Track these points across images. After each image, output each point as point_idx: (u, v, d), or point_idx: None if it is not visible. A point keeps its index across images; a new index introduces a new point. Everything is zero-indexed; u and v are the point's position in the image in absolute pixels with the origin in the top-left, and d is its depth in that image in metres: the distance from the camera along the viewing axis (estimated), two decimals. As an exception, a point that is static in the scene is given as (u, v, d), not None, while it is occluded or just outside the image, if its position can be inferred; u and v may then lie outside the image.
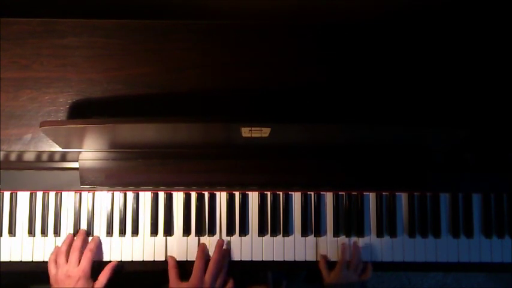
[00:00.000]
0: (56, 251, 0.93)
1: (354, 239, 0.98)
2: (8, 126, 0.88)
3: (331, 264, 0.96)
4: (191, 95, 0.90)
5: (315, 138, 0.88)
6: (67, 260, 0.90)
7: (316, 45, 0.92)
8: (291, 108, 0.90)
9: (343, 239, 0.98)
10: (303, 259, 0.97)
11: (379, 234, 0.98)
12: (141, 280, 0.96)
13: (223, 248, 0.95)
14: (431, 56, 0.92)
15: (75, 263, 0.90)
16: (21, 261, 0.95)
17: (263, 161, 0.92)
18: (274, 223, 0.97)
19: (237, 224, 0.97)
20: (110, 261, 0.94)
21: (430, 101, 0.91)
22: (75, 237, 0.95)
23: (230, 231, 0.97)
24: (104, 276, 0.91)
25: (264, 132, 0.76)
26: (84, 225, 0.97)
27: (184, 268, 0.94)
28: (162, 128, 0.78)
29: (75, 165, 0.93)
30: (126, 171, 0.92)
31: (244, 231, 0.97)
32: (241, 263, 0.97)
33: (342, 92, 0.91)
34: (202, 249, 0.94)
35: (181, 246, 0.96)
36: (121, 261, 0.95)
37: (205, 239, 0.97)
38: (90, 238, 0.96)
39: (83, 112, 0.89)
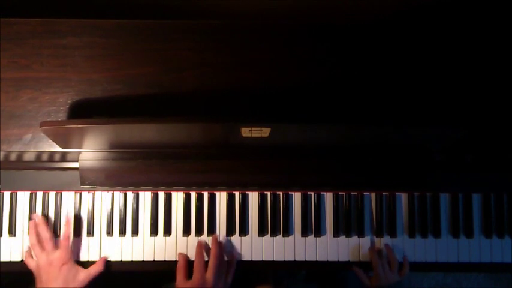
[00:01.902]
0: (29, 246, 0.93)
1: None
2: (8, 126, 0.88)
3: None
4: (191, 95, 0.90)
5: (314, 138, 0.88)
6: (42, 250, 0.90)
7: (316, 45, 0.92)
8: (291, 108, 0.90)
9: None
10: (303, 259, 0.97)
11: (379, 234, 0.98)
12: (141, 280, 0.96)
13: (219, 242, 0.95)
14: (431, 56, 0.92)
15: (52, 250, 0.89)
16: (21, 261, 0.95)
17: (263, 161, 0.92)
18: (274, 223, 0.97)
19: (237, 224, 0.97)
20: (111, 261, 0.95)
21: (429, 101, 0.91)
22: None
23: (230, 231, 0.97)
24: (94, 268, 0.91)
25: (264, 132, 0.77)
26: (84, 225, 0.97)
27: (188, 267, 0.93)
28: (162, 128, 0.78)
29: (75, 165, 0.93)
30: (126, 171, 0.92)
31: (244, 231, 0.97)
32: (241, 263, 0.97)
33: (342, 92, 0.91)
34: (201, 246, 0.93)
35: (181, 246, 0.96)
36: (121, 261, 0.96)
37: (205, 239, 0.97)
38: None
39: (83, 112, 0.89)
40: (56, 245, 0.91)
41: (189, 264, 0.93)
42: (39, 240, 0.91)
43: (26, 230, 0.96)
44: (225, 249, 0.96)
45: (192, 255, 0.95)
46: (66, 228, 0.93)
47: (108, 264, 0.94)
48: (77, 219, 0.97)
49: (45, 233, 0.91)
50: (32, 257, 0.92)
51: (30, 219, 0.96)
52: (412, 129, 0.81)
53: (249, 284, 1.12)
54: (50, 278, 0.87)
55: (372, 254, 0.96)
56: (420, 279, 1.70)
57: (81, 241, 0.96)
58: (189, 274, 0.91)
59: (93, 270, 0.91)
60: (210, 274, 0.89)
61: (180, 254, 0.94)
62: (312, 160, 0.93)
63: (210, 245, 0.94)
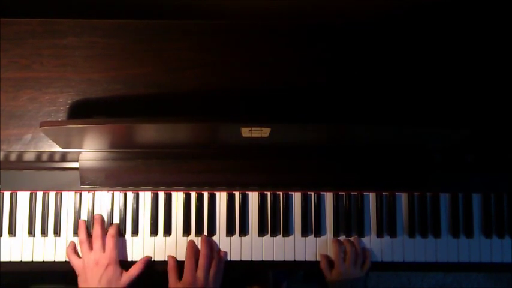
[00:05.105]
0: (72, 244, 0.94)
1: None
2: (8, 126, 0.88)
3: (332, 264, 0.96)
4: (191, 95, 0.90)
5: (314, 138, 0.88)
6: (90, 248, 0.91)
7: (316, 45, 0.92)
8: (291, 108, 0.90)
9: (343, 239, 0.98)
10: (303, 259, 0.97)
11: (379, 234, 0.98)
12: (141, 280, 0.96)
13: (210, 241, 0.95)
14: (431, 56, 0.92)
15: (100, 250, 0.90)
16: (21, 261, 0.95)
17: (263, 161, 0.92)
18: (274, 223, 0.97)
19: (237, 224, 0.97)
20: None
21: (429, 101, 0.91)
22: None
23: (230, 231, 0.97)
24: (135, 268, 0.91)
25: (264, 132, 0.76)
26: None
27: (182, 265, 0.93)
28: (162, 128, 0.78)
29: (75, 165, 0.93)
30: (126, 171, 0.92)
31: (244, 231, 0.97)
32: (241, 263, 0.97)
33: (342, 92, 0.91)
34: (192, 248, 0.94)
35: (181, 246, 0.96)
36: (121, 261, 0.95)
37: (205, 239, 0.97)
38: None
39: (83, 112, 0.89)
40: (103, 244, 0.91)
41: (180, 265, 0.93)
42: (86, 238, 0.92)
43: (26, 230, 0.96)
44: (215, 248, 0.95)
45: (192, 255, 0.95)
46: (112, 228, 0.93)
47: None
48: (77, 219, 0.97)
49: (98, 231, 0.92)
50: (75, 253, 0.93)
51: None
52: (412, 130, 0.81)
53: (248, 284, 1.12)
54: (94, 277, 0.87)
55: (334, 245, 0.95)
56: (420, 279, 1.70)
57: (81, 241, 0.96)
58: (180, 275, 0.91)
59: (134, 271, 0.91)
60: (200, 273, 0.89)
61: (170, 256, 0.94)
62: (312, 160, 0.93)
63: (200, 245, 0.94)
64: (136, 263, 0.93)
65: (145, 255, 0.96)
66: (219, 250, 0.96)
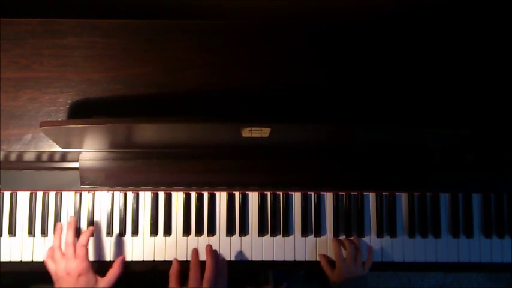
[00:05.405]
0: (51, 248, 0.89)
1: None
2: (8, 126, 0.88)
3: (333, 264, 0.96)
4: (191, 95, 0.90)
5: (314, 138, 0.88)
6: (62, 255, 0.87)
7: (316, 45, 0.92)
8: (291, 109, 0.90)
9: (342, 238, 0.98)
10: (303, 259, 0.97)
11: (379, 234, 0.98)
12: (141, 280, 0.96)
13: (214, 251, 0.92)
14: (431, 56, 0.92)
15: (71, 258, 0.85)
16: (21, 261, 0.95)
17: (263, 161, 0.92)
18: (274, 223, 0.97)
19: (237, 224, 0.97)
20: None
21: (430, 101, 0.91)
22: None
23: (230, 231, 0.97)
24: (111, 272, 0.88)
25: (264, 132, 0.76)
26: (84, 225, 0.97)
27: (184, 268, 0.93)
28: (162, 128, 0.78)
29: (75, 165, 0.93)
30: (126, 171, 0.92)
31: (244, 231, 0.97)
32: (241, 263, 0.97)
33: (342, 93, 0.91)
34: (196, 258, 0.90)
35: (181, 246, 0.96)
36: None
37: (205, 239, 0.97)
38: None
39: (83, 112, 0.89)
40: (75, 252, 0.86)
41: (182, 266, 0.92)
42: (60, 244, 0.88)
43: (26, 230, 0.96)
44: (219, 256, 0.94)
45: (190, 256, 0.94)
46: (83, 236, 0.88)
47: (107, 264, 0.94)
48: (77, 219, 0.96)
49: (69, 238, 0.88)
50: (52, 258, 0.88)
51: (58, 220, 0.95)
52: (412, 130, 0.81)
53: (248, 284, 1.12)
54: (67, 286, 0.84)
55: (334, 244, 0.94)
56: (420, 279, 1.70)
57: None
58: (181, 281, 0.89)
59: (112, 275, 0.87)
60: (206, 285, 0.86)
61: (175, 259, 0.91)
62: (312, 160, 0.93)
63: (205, 254, 0.91)
64: (112, 265, 0.89)
65: (145, 255, 0.96)
66: (222, 259, 0.94)
